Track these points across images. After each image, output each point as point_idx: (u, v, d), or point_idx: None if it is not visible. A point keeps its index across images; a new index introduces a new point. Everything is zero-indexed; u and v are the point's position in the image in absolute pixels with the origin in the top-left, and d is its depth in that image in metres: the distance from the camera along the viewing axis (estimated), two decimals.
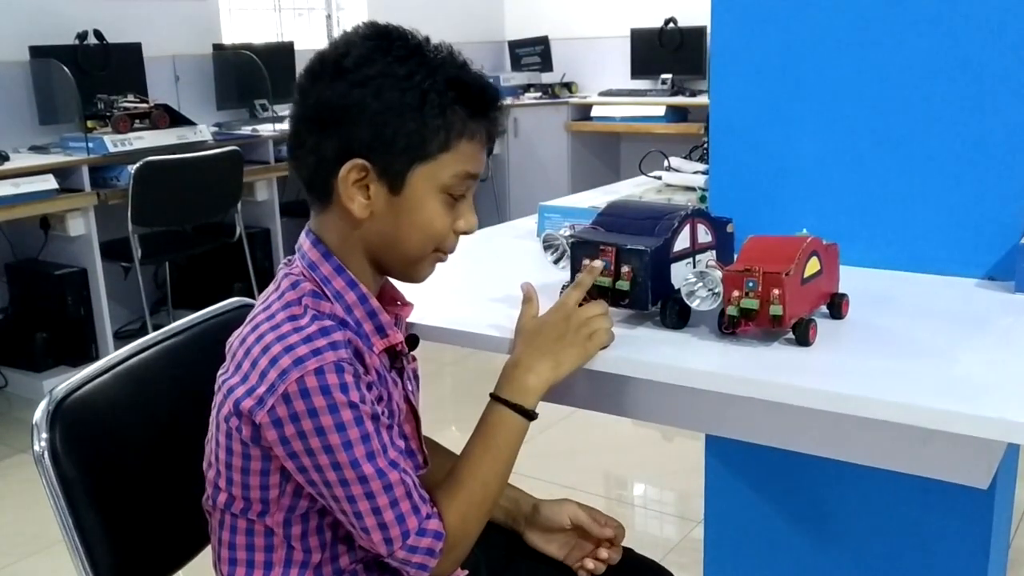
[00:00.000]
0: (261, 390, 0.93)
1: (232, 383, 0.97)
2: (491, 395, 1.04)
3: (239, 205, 3.86)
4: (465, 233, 1.03)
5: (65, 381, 1.09)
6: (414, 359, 1.15)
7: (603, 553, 1.20)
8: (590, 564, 1.19)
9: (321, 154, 0.97)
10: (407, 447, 1.08)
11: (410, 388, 1.09)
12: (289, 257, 1.05)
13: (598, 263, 1.07)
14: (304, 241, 1.03)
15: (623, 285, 1.07)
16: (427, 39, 0.99)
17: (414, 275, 1.06)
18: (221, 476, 1.02)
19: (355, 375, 0.94)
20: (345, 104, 0.95)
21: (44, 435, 1.03)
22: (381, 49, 0.96)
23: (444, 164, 0.98)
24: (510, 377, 1.03)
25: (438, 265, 1.07)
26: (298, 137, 1.00)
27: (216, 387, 1.01)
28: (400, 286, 1.12)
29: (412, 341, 1.11)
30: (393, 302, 1.10)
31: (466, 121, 0.98)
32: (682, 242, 1.11)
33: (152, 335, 1.21)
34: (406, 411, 1.08)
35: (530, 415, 1.03)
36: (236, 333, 1.01)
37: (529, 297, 1.08)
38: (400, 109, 0.95)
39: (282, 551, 1.02)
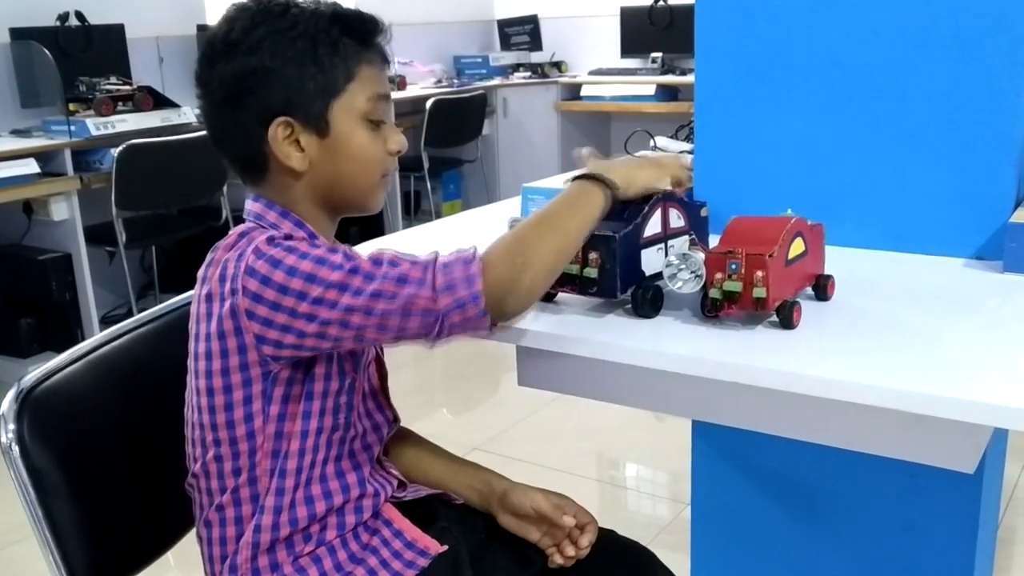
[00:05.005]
0: (229, 272, 0.98)
1: (203, 292, 1.01)
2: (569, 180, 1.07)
3: (225, 188, 3.82)
4: (398, 153, 1.08)
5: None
6: None
7: (569, 550, 1.18)
8: (558, 558, 1.18)
9: (244, 128, 1.02)
10: (376, 401, 1.12)
11: None
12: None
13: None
14: (247, 203, 1.07)
15: (591, 272, 1.04)
16: None
17: (369, 205, 1.10)
18: (205, 428, 1.03)
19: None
20: (247, 73, 1.00)
21: (11, 426, 1.01)
22: (260, 12, 1.02)
23: (355, 92, 1.03)
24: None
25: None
26: (216, 123, 1.05)
27: (189, 329, 1.04)
28: None
29: None
30: None
31: (358, 50, 1.04)
32: (653, 227, 1.08)
33: (125, 322, 1.19)
34: (371, 359, 1.12)
35: (613, 188, 1.04)
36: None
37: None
38: (298, 59, 1.01)
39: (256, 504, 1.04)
